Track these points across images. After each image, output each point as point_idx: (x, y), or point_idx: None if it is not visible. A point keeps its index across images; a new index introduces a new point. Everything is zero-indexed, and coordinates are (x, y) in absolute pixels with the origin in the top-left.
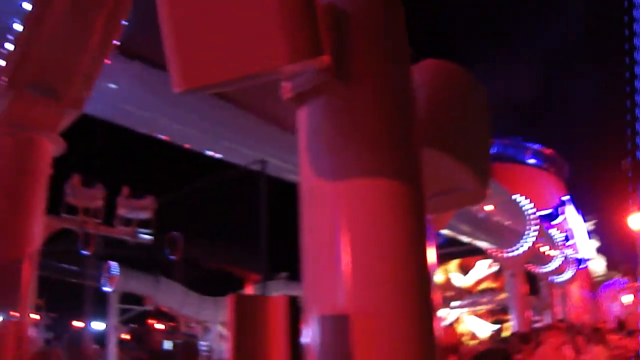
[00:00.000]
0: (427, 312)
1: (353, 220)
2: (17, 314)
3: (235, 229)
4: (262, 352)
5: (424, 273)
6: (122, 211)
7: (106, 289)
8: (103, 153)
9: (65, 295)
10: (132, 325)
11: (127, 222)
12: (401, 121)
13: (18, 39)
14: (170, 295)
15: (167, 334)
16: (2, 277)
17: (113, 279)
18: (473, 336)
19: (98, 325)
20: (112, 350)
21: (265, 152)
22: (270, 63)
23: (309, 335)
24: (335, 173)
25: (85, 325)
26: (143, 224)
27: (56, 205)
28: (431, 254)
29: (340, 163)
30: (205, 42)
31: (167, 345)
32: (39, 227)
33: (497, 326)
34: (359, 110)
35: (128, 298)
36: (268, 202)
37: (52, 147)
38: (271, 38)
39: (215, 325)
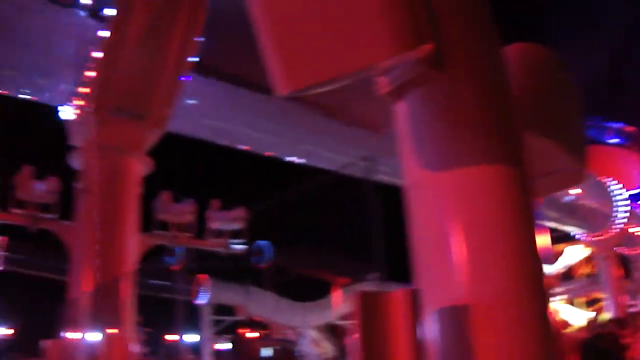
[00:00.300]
0: (542, 297)
1: (463, 209)
2: (118, 331)
3: (323, 233)
4: (387, 344)
5: (535, 258)
6: (213, 224)
7: (198, 301)
8: (190, 169)
9: (157, 311)
10: (231, 335)
11: (219, 234)
12: (501, 106)
13: (98, 65)
14: (261, 303)
15: (262, 341)
16: (102, 296)
17: (204, 291)
18: (567, 324)
19: (191, 338)
20: None
21: (348, 154)
22: (376, 56)
23: (428, 327)
24: (441, 163)
25: (179, 339)
26: (235, 234)
27: (148, 223)
28: (543, 238)
29: (446, 152)
30: (307, 42)
31: (265, 352)
32: (133, 245)
33: (592, 313)
34: (458, 98)
35: (220, 309)
36: (364, 202)
37: (140, 167)
38: (376, 31)
39: (307, 331)
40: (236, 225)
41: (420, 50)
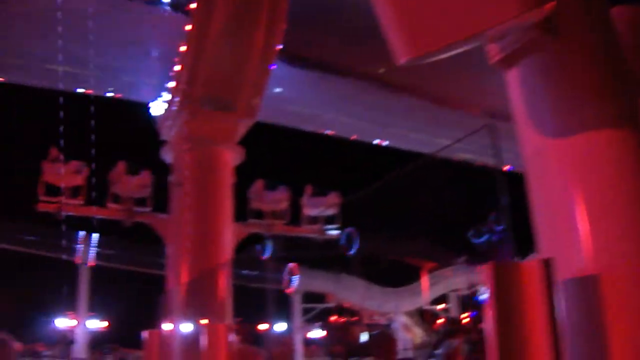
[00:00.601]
0: None
1: (586, 176)
2: (216, 321)
3: (410, 218)
4: (521, 316)
5: None
6: (307, 210)
7: (289, 290)
8: (282, 156)
9: (248, 300)
10: (328, 322)
11: (314, 220)
12: (616, 70)
13: (184, 59)
14: (351, 290)
15: (360, 326)
16: (200, 287)
17: (294, 280)
18: None
19: (282, 327)
20: (299, 348)
21: (434, 134)
22: (499, 17)
23: (560, 298)
24: (562, 130)
25: (270, 327)
26: (329, 220)
27: (242, 212)
28: None
29: (566, 119)
30: (428, 8)
31: (363, 337)
32: (229, 235)
33: None
34: (573, 63)
35: (310, 297)
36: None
37: (232, 157)
38: None
39: (397, 316)
40: (330, 211)
41: (543, 9)
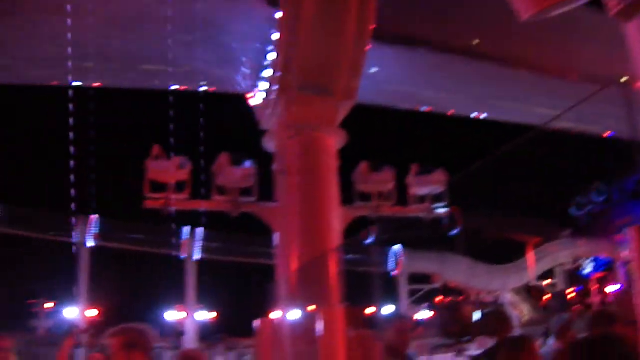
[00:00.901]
0: None
1: None
2: (328, 308)
3: (513, 193)
4: None
5: None
6: (415, 189)
7: (394, 272)
8: (383, 137)
9: (353, 284)
10: (437, 302)
11: (421, 199)
12: None
13: (279, 46)
14: (457, 269)
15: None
16: (310, 273)
17: (399, 262)
18: None
19: (389, 309)
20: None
21: (533, 103)
22: None
23: None
24: None
25: (377, 310)
26: (436, 199)
27: (348, 195)
28: None
29: None
30: None
31: (475, 316)
32: (337, 220)
33: None
34: None
35: (416, 278)
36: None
37: (334, 141)
38: None
39: (504, 294)
40: (437, 189)
41: None
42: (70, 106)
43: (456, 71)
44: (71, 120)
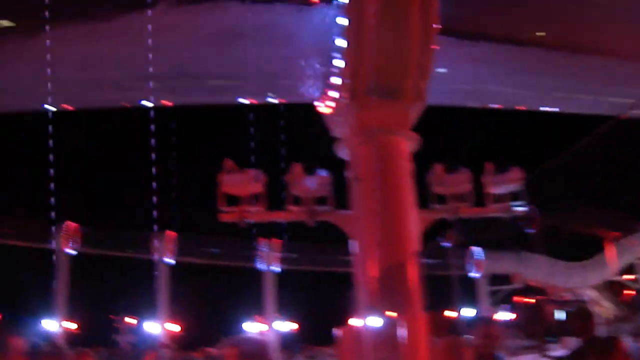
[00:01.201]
0: None
1: None
2: (409, 314)
3: (590, 188)
4: None
5: None
6: (491, 189)
7: (474, 274)
8: (457, 137)
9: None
10: (518, 302)
11: (498, 199)
12: None
13: (344, 52)
14: (536, 268)
15: (555, 304)
16: (390, 280)
17: (479, 264)
18: None
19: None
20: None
21: (604, 94)
22: None
23: None
24: None
25: (458, 314)
26: (513, 197)
27: (424, 198)
28: None
29: None
30: None
31: (558, 315)
32: (415, 224)
33: None
34: None
35: (495, 279)
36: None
37: (408, 144)
38: None
39: (586, 291)
40: (514, 187)
41: None
42: (152, 126)
43: (523, 65)
44: (152, 141)
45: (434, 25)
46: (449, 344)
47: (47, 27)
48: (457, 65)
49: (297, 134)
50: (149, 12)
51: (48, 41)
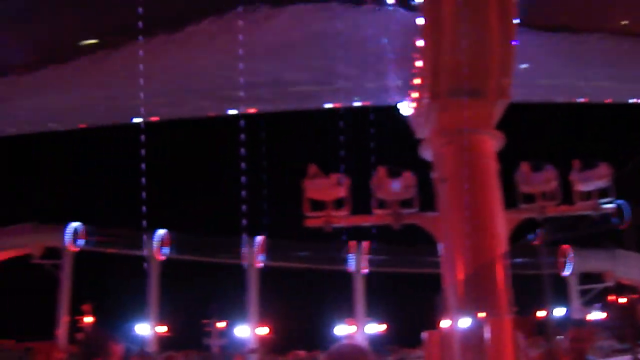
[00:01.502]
0: None
1: None
2: (498, 316)
3: None
4: None
5: None
6: (579, 186)
7: (565, 273)
8: (539, 134)
9: (521, 288)
10: (610, 302)
11: (586, 196)
12: None
13: (423, 53)
14: (629, 266)
15: None
16: (478, 281)
17: (569, 262)
18: None
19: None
20: None
21: None
22: None
23: None
24: None
25: (548, 314)
26: (602, 194)
27: (510, 198)
28: None
29: None
30: None
31: None
32: (501, 224)
33: None
34: None
35: (586, 278)
36: None
37: (492, 143)
38: None
39: None
40: (602, 184)
41: None
42: (242, 136)
43: (609, 56)
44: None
45: (514, 20)
46: (544, 353)
47: (140, 38)
48: (540, 59)
49: (381, 136)
50: (241, 22)
51: (140, 52)
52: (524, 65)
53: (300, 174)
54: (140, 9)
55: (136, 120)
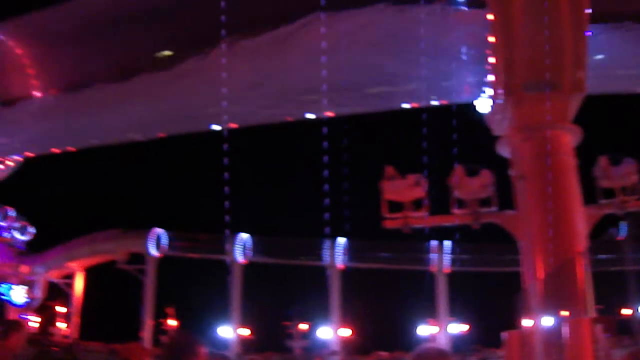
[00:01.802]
0: None
1: None
2: (579, 314)
3: None
4: None
5: None
6: None
7: None
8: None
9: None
10: None
11: None
12: None
13: (496, 49)
14: None
15: None
16: (558, 279)
17: None
18: None
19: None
20: None
21: None
22: None
23: None
24: None
25: (634, 312)
26: None
27: (589, 193)
28: None
29: None
30: None
31: None
32: (581, 221)
33: None
34: None
35: None
36: None
37: (570, 138)
38: None
39: None
40: None
41: None
42: (325, 143)
43: None
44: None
45: (585, 9)
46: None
47: (223, 46)
48: (616, 49)
49: (459, 135)
50: (323, 29)
51: (223, 59)
52: (599, 56)
53: (379, 176)
54: (222, 17)
55: (214, 127)
